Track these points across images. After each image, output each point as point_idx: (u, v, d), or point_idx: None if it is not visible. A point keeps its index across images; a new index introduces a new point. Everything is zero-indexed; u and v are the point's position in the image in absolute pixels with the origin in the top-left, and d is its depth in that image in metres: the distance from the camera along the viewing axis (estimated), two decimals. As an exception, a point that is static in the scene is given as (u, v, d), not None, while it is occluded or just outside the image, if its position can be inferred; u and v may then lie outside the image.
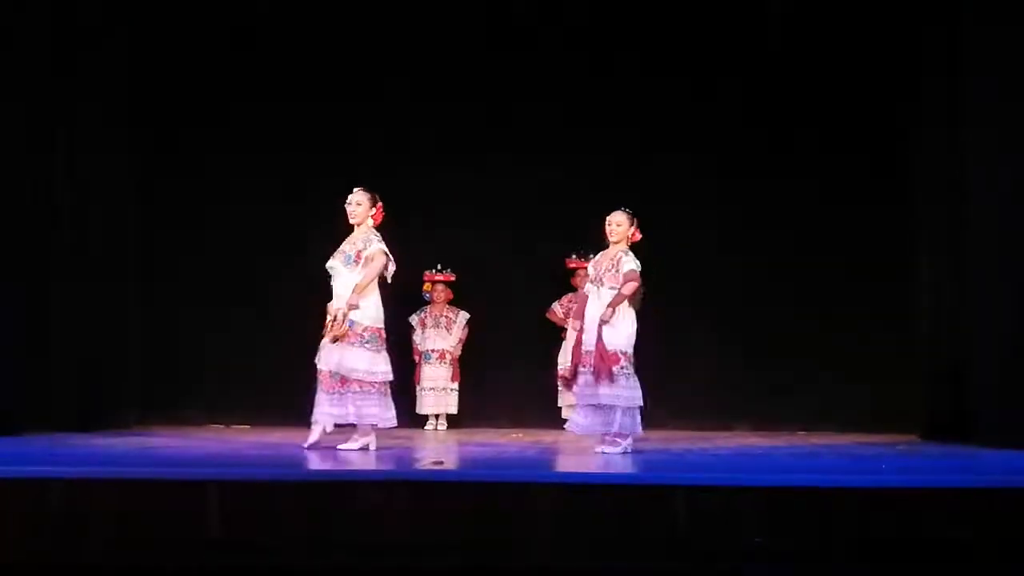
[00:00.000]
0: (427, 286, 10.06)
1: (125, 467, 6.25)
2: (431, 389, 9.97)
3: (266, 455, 7.19)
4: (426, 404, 9.97)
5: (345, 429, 7.51)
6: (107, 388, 9.22)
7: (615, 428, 7.31)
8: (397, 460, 7.06)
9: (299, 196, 9.79)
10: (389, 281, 7.55)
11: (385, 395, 7.45)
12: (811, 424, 9.60)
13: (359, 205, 7.56)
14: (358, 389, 7.36)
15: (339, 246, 7.55)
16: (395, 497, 5.65)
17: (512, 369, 9.92)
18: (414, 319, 10.04)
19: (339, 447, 7.37)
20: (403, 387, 9.95)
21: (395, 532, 5.59)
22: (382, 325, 7.47)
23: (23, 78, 8.58)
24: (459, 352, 10.04)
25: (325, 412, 7.40)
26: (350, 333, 7.32)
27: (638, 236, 7.55)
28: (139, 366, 9.78)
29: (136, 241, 9.81)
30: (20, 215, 8.58)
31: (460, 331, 10.05)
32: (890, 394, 9.49)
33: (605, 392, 7.26)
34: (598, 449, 7.36)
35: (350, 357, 7.34)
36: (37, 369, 8.67)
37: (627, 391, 7.31)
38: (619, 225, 7.49)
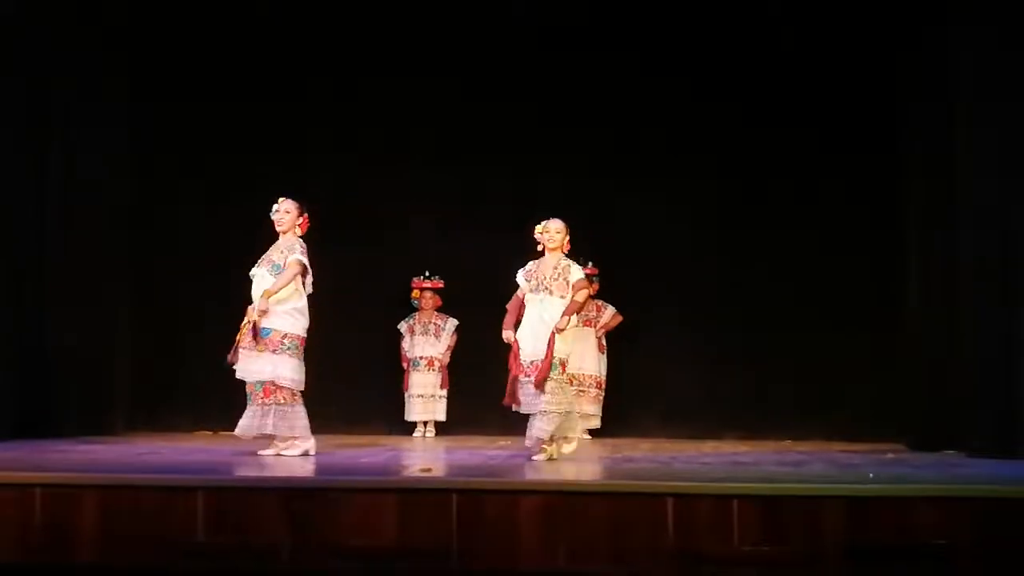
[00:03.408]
0: (415, 293, 10.04)
1: (111, 473, 6.22)
2: (420, 396, 9.94)
3: (253, 461, 7.17)
4: (415, 411, 9.95)
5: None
6: (94, 395, 9.20)
7: (556, 432, 7.30)
8: (385, 467, 7.04)
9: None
10: (308, 291, 7.54)
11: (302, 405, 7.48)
12: (799, 433, 9.59)
13: (287, 213, 7.61)
14: (282, 400, 7.35)
15: (263, 253, 7.60)
16: (383, 503, 5.65)
17: (501, 376, 9.88)
18: (403, 326, 10.03)
19: (282, 453, 7.38)
20: (392, 394, 10.00)
21: (383, 538, 5.58)
22: (304, 334, 7.47)
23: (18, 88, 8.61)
24: (448, 359, 10.02)
25: (244, 423, 7.41)
26: (268, 341, 7.31)
27: (568, 246, 7.55)
28: (126, 373, 9.77)
29: (126, 250, 9.81)
30: (8, 223, 8.54)
31: (449, 338, 10.03)
32: (878, 403, 9.51)
33: (546, 399, 7.23)
34: (534, 458, 7.31)
35: (278, 365, 7.34)
36: (24, 375, 8.64)
37: (567, 396, 7.35)
38: (558, 232, 7.47)
